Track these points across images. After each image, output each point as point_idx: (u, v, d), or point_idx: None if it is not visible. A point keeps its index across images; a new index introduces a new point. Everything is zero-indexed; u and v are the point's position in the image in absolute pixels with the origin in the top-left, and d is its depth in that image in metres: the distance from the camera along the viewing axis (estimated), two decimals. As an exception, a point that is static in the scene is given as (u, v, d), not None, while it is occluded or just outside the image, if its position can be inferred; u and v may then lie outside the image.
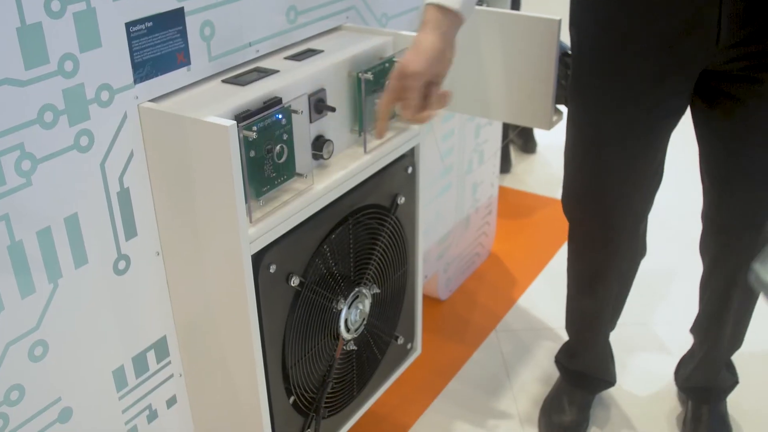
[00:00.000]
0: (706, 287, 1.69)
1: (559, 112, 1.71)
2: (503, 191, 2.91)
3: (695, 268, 2.42)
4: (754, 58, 1.31)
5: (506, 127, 2.90)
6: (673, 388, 1.95)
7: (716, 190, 1.50)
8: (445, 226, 2.15)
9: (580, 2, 1.42)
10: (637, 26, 1.33)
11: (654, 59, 1.35)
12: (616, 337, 1.84)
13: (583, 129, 1.51)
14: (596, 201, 1.56)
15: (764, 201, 1.46)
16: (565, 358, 1.88)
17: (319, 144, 1.28)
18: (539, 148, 3.26)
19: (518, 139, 3.24)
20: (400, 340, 1.60)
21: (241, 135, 1.08)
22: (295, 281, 1.23)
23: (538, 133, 3.29)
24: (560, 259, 2.50)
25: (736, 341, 1.72)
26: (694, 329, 1.78)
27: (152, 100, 1.13)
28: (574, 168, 1.58)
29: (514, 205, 2.84)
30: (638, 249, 1.66)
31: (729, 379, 1.80)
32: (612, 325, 1.79)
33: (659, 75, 1.37)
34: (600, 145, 1.49)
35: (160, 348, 1.27)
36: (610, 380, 1.86)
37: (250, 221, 1.14)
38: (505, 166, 3.05)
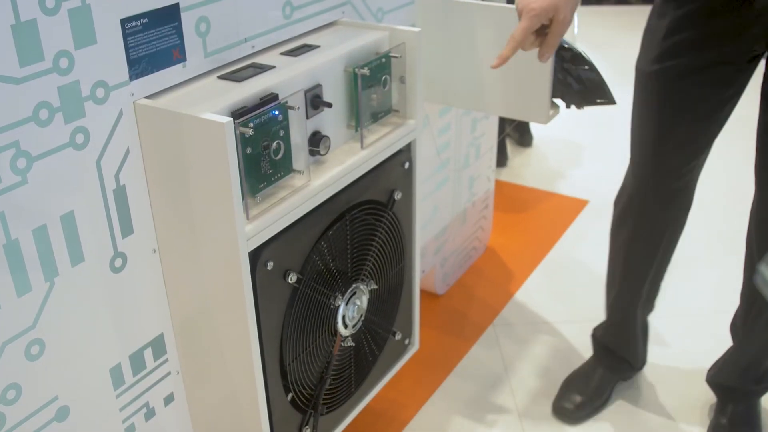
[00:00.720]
0: (745, 284, 1.69)
1: (555, 107, 1.70)
2: (499, 185, 2.90)
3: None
4: None
5: (503, 121, 2.90)
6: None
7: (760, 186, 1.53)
8: (441, 221, 2.14)
9: None
10: None
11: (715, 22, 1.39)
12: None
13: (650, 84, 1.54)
14: (654, 140, 1.58)
15: None
16: (599, 330, 1.92)
17: (316, 140, 1.28)
18: (535, 141, 3.26)
19: (514, 132, 3.24)
20: (398, 336, 1.60)
21: (238, 132, 1.07)
22: (292, 278, 1.23)
23: (535, 127, 3.29)
24: (557, 252, 2.50)
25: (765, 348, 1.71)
26: (731, 326, 1.79)
27: (148, 97, 1.12)
28: (637, 118, 1.61)
29: (510, 199, 2.84)
30: (685, 198, 1.67)
31: (754, 384, 1.77)
32: (649, 303, 1.82)
33: (719, 39, 1.40)
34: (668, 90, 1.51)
35: (158, 346, 1.26)
36: (633, 364, 1.90)
37: (247, 218, 1.13)
38: (502, 159, 3.04)
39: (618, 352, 1.89)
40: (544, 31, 1.37)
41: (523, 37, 1.33)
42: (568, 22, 1.33)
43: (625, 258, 1.77)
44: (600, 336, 1.92)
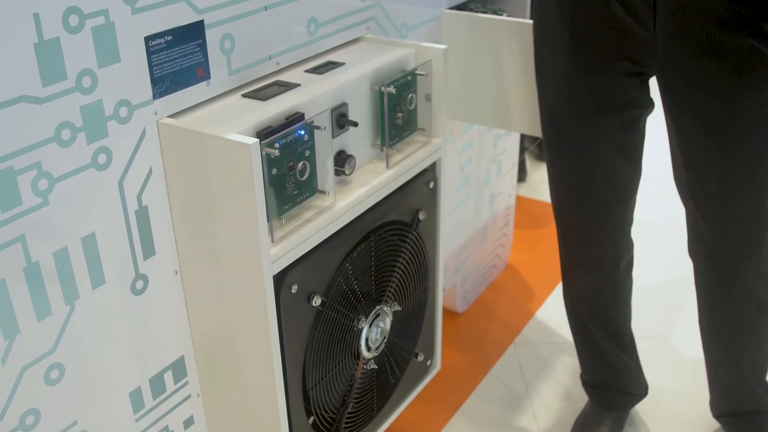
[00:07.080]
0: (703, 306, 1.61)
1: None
2: (519, 200, 2.87)
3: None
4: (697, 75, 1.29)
5: (523, 138, 2.86)
6: (697, 403, 1.91)
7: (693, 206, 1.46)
8: (462, 238, 2.11)
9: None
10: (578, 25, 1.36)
11: (599, 59, 1.37)
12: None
13: (551, 138, 1.52)
14: (578, 209, 1.56)
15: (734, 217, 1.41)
16: (585, 374, 1.84)
17: (341, 159, 1.25)
18: (554, 156, 3.22)
19: (534, 147, 3.20)
20: (420, 357, 1.57)
21: (264, 152, 1.05)
22: (316, 301, 1.20)
23: (554, 142, 3.25)
24: (578, 270, 2.47)
25: (756, 360, 1.61)
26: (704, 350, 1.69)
27: (171, 116, 1.10)
28: (552, 178, 1.60)
29: (529, 215, 2.80)
30: (626, 248, 1.63)
31: (763, 402, 1.67)
32: (619, 326, 1.74)
33: (605, 82, 1.39)
34: (569, 153, 1.50)
35: (178, 368, 1.24)
36: (635, 393, 1.80)
37: (272, 240, 1.10)
38: (521, 174, 3.01)
39: (616, 386, 1.80)
40: None
41: None
42: None
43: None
44: (589, 378, 1.83)
